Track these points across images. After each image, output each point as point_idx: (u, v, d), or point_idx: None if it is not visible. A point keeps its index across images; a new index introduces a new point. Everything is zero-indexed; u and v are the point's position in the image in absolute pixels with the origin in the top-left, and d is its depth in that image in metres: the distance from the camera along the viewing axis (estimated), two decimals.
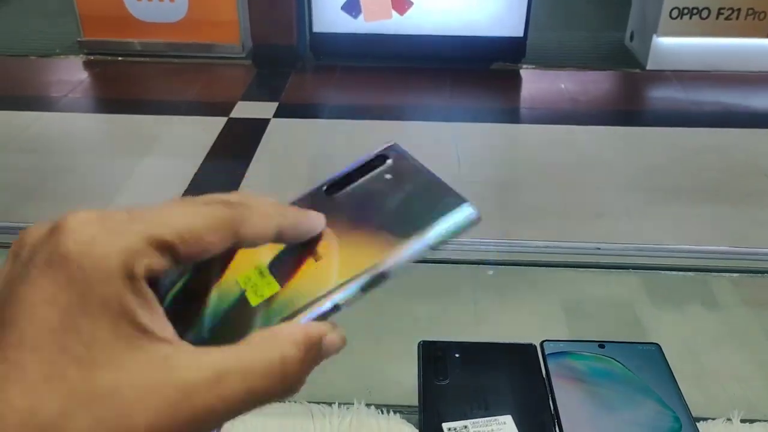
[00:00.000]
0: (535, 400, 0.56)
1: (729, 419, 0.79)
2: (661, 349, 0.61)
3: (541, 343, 0.60)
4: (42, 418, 0.21)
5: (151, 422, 0.22)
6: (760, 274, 0.70)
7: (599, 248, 0.72)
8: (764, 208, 2.63)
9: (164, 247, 0.24)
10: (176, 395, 0.22)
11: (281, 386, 0.25)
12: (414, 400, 0.63)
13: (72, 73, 3.84)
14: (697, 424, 0.79)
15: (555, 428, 0.53)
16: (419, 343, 0.59)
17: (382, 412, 0.80)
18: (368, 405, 0.80)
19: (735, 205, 2.63)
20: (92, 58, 3.99)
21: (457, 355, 0.59)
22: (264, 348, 0.25)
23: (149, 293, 0.24)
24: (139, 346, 0.23)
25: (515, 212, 2.63)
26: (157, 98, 3.63)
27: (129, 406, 0.22)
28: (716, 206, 2.61)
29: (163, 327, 0.24)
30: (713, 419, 0.81)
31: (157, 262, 0.24)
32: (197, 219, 0.25)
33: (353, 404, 0.80)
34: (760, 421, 0.78)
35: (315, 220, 0.29)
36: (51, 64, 3.88)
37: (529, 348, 0.60)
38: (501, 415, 0.53)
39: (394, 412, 0.80)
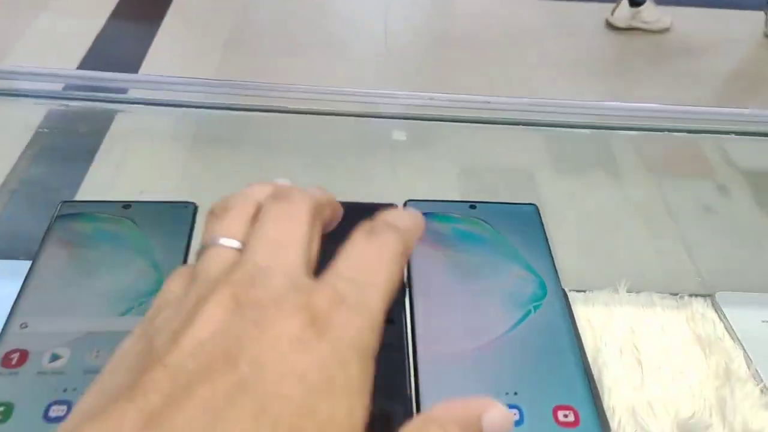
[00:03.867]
0: None
1: (615, 289, 0.75)
2: (538, 210, 0.54)
3: (405, 204, 0.53)
4: None
5: None
6: (660, 132, 0.64)
7: (489, 101, 0.63)
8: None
9: None
10: None
11: None
12: None
13: None
14: (583, 293, 0.75)
15: (406, 295, 0.46)
16: None
17: None
18: None
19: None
20: None
21: None
22: None
23: None
24: None
25: (444, 87, 2.53)
26: None
27: None
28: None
29: None
30: (599, 290, 0.77)
31: None
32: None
33: None
34: (646, 291, 0.75)
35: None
36: None
37: (389, 208, 0.52)
38: None
39: None
